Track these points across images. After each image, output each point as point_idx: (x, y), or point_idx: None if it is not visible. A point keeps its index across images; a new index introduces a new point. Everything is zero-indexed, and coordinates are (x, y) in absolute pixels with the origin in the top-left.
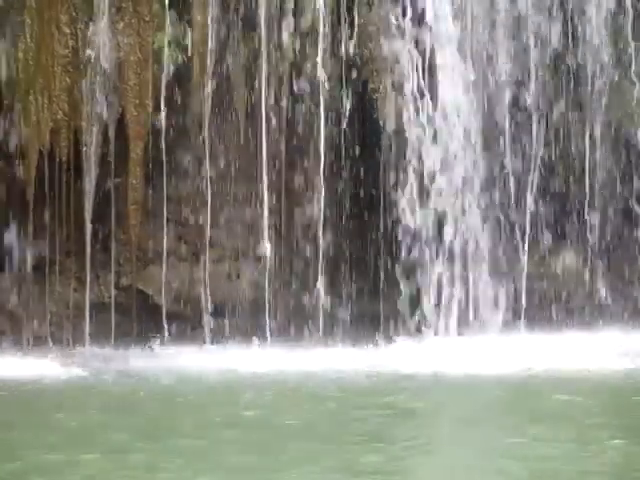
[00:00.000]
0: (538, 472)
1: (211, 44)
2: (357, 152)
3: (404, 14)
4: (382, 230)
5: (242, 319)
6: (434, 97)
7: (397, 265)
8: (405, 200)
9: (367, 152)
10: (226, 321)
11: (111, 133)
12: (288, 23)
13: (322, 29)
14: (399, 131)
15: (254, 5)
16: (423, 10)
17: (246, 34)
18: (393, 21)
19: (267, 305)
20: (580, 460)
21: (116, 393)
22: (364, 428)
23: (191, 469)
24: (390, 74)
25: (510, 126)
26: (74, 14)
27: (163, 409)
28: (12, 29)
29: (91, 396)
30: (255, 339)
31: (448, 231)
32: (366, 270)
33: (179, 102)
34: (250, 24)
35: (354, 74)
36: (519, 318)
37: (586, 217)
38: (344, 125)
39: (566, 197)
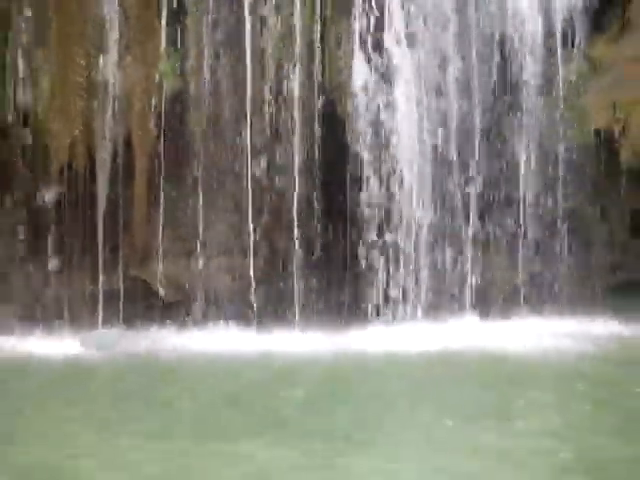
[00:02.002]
0: None
1: (205, 73)
2: (327, 163)
3: (368, 48)
4: (349, 227)
5: (228, 306)
6: (392, 117)
7: (362, 259)
8: (366, 205)
9: (335, 163)
10: (215, 308)
11: (120, 150)
12: (270, 54)
13: (299, 59)
14: (361, 142)
15: (241, 38)
16: (384, 44)
17: (235, 64)
18: (358, 55)
19: (251, 294)
20: None
21: (113, 363)
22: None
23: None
24: (354, 98)
25: (457, 145)
26: (88, 48)
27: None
28: (37, 61)
29: (90, 370)
30: (239, 323)
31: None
32: (335, 261)
33: (177, 124)
34: (238, 55)
35: (325, 98)
36: (470, 307)
37: (520, 223)
38: (316, 141)
39: (504, 208)
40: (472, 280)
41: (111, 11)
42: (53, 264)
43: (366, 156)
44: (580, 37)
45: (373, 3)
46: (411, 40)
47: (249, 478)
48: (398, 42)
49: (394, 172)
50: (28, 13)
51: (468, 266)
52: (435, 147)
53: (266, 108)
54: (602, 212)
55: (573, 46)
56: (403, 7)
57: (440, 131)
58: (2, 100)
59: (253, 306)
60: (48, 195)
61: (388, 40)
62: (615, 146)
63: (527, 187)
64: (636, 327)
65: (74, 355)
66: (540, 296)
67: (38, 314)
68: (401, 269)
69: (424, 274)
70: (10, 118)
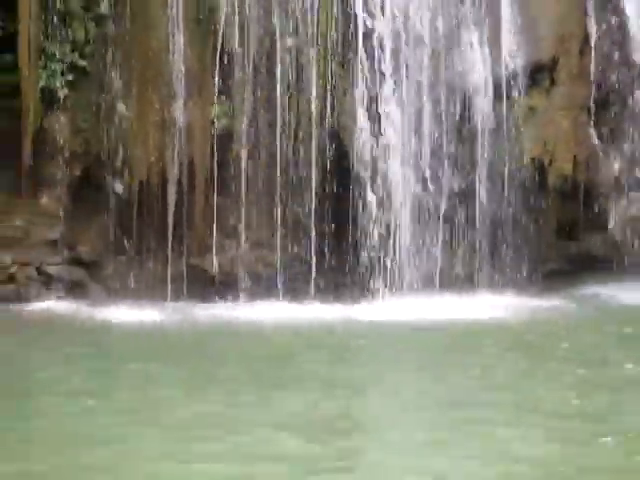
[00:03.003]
0: None
1: (246, 114)
2: (337, 183)
3: (366, 99)
4: (351, 223)
5: (262, 286)
6: (384, 150)
7: (360, 250)
8: (366, 213)
9: (342, 175)
10: (253, 288)
11: (184, 170)
12: (295, 102)
13: (315, 107)
14: (362, 166)
15: (274, 90)
16: (379, 97)
17: (269, 108)
18: (359, 104)
19: (278, 277)
20: None
21: (179, 328)
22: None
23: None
24: (356, 134)
25: (430, 168)
26: (162, 96)
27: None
28: (124, 106)
29: (163, 333)
30: (272, 298)
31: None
32: (342, 254)
33: (226, 151)
34: (272, 101)
35: (333, 135)
36: (439, 286)
37: (477, 225)
38: (328, 165)
39: (465, 213)
40: (440, 266)
41: (178, 68)
42: (134, 254)
43: (364, 178)
44: (521, 90)
45: (370, 69)
46: (397, 95)
47: (280, 419)
48: (388, 97)
49: (385, 188)
50: (118, 73)
51: (438, 256)
52: (415, 169)
53: (292, 142)
54: (535, 219)
55: (514, 96)
56: (392, 72)
57: (418, 158)
58: (100, 134)
59: (280, 287)
60: (117, 187)
61: (381, 95)
62: (545, 171)
63: (481, 199)
64: (554, 302)
65: (151, 322)
66: (490, 279)
67: (122, 291)
68: (390, 260)
69: (407, 263)
70: (105, 148)
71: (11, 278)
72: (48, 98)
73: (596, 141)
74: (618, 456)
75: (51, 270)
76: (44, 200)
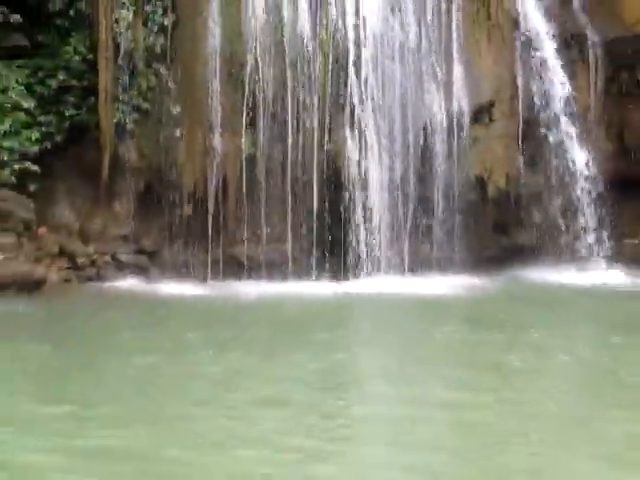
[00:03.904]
0: None
1: (266, 143)
2: (330, 193)
3: (354, 130)
4: (343, 223)
5: (278, 270)
6: (366, 169)
7: (349, 235)
8: (352, 209)
9: (335, 194)
10: (271, 271)
11: (220, 185)
12: (301, 134)
13: (316, 136)
14: (351, 179)
15: (285, 125)
16: (364, 131)
17: (282, 140)
18: (348, 134)
19: (289, 263)
20: None
21: (216, 300)
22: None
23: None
24: (346, 156)
25: (400, 181)
26: (205, 129)
27: (235, 306)
28: (178, 137)
29: (205, 304)
30: (285, 279)
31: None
32: (334, 246)
33: (251, 170)
34: (284, 134)
35: (330, 157)
36: (407, 269)
37: (434, 224)
38: (325, 180)
39: (427, 214)
40: (408, 255)
41: (216, 109)
42: (184, 246)
43: (351, 190)
44: (467, 124)
45: (356, 109)
46: (376, 127)
47: (286, 374)
48: (370, 129)
49: (367, 197)
50: (171, 112)
51: (405, 246)
52: (389, 184)
53: (299, 162)
54: (478, 219)
55: (462, 129)
56: (372, 112)
57: (391, 175)
58: (159, 158)
59: (290, 270)
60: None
61: (364, 127)
62: (485, 184)
63: (438, 205)
64: (491, 282)
65: (196, 295)
66: (445, 264)
67: (175, 273)
68: (371, 250)
69: (383, 252)
70: (162, 168)
71: (93, 263)
72: (120, 131)
73: (522, 163)
74: (532, 401)
75: (122, 258)
76: (117, 207)
